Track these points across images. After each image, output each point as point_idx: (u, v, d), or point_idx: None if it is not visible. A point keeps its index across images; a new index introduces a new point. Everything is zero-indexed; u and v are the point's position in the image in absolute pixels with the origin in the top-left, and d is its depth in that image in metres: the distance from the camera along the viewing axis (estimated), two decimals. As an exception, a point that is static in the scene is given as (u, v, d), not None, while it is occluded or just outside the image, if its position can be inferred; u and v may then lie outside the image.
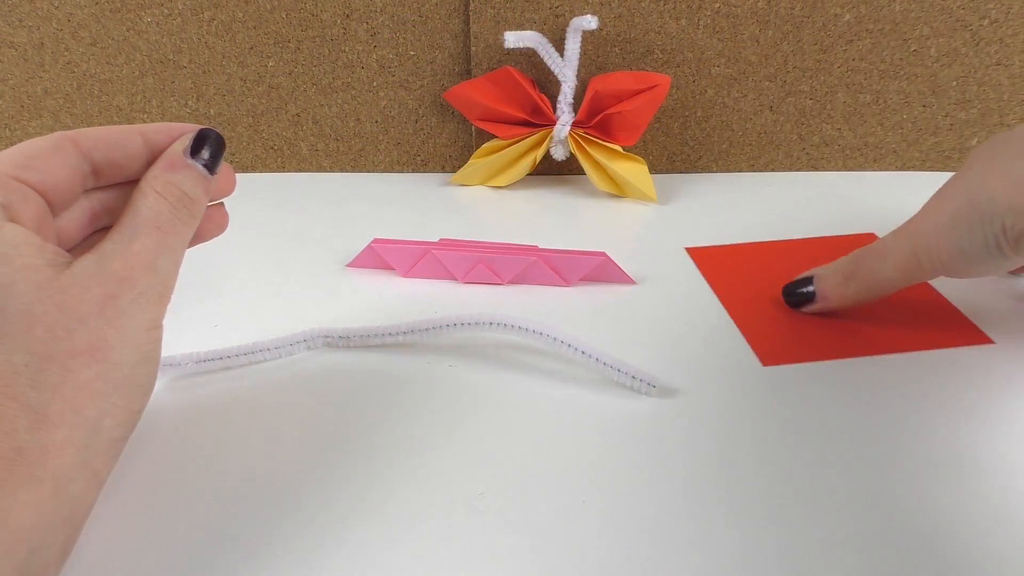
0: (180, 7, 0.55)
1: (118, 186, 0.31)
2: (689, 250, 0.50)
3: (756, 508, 0.32)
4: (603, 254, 0.47)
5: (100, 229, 0.32)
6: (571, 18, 0.54)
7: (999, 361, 0.40)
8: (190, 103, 0.59)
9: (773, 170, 0.61)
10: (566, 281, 0.47)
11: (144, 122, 0.59)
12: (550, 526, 0.31)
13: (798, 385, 0.39)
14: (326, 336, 0.41)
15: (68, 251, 0.31)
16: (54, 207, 0.29)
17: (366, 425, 0.36)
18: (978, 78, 0.57)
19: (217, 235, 0.35)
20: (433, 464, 0.34)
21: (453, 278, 0.47)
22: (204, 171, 0.30)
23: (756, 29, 0.55)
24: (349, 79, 0.58)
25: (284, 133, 0.60)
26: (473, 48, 0.56)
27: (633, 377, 0.38)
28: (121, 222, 0.28)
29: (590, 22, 0.53)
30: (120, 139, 0.30)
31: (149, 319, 0.27)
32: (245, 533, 0.31)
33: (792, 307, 0.43)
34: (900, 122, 0.59)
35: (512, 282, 0.47)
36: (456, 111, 0.58)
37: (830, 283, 0.40)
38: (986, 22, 0.55)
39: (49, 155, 0.28)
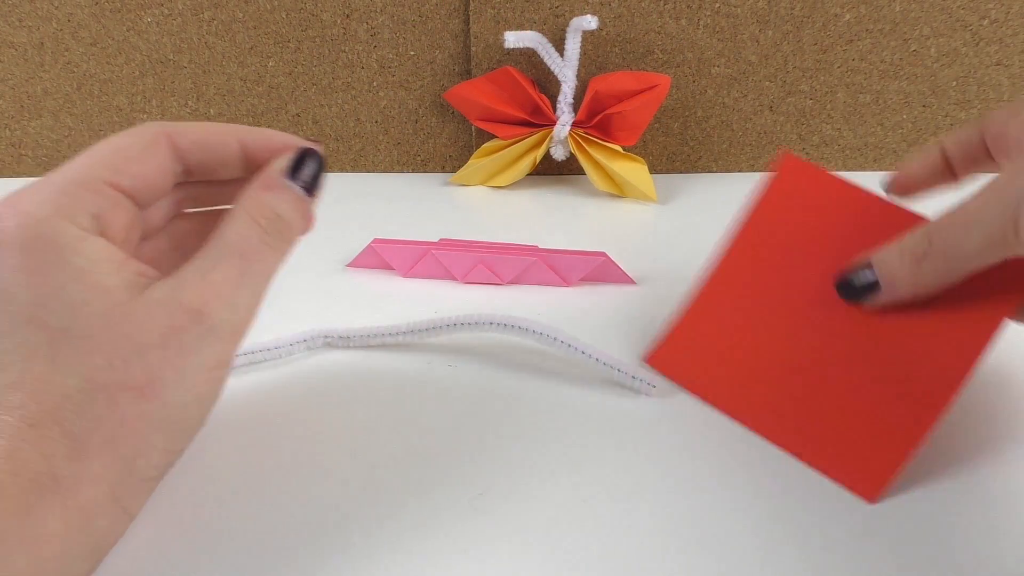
0: (180, 7, 0.55)
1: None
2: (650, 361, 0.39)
3: (756, 507, 0.32)
4: (603, 254, 0.47)
5: (184, 214, 0.31)
6: (571, 18, 0.54)
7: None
8: (190, 103, 0.59)
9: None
10: (566, 281, 0.47)
11: (144, 121, 0.59)
12: (550, 526, 0.31)
13: (798, 385, 0.39)
14: (326, 336, 0.41)
15: (151, 239, 0.30)
16: (141, 205, 0.28)
17: (366, 425, 0.36)
18: (978, 78, 0.57)
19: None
20: (433, 464, 0.34)
21: (453, 278, 0.47)
22: (303, 193, 0.28)
23: (756, 29, 0.55)
24: (349, 79, 0.58)
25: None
26: (473, 48, 0.56)
27: (633, 377, 0.38)
28: (207, 245, 0.26)
29: (590, 22, 0.53)
30: (217, 142, 0.28)
31: (215, 357, 0.25)
32: (244, 533, 0.30)
33: (850, 300, 0.33)
34: (900, 122, 0.59)
35: (512, 282, 0.47)
36: (456, 111, 0.58)
37: (897, 266, 0.31)
38: (986, 22, 0.55)
39: (144, 157, 0.27)
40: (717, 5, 0.54)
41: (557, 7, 0.54)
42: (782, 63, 0.56)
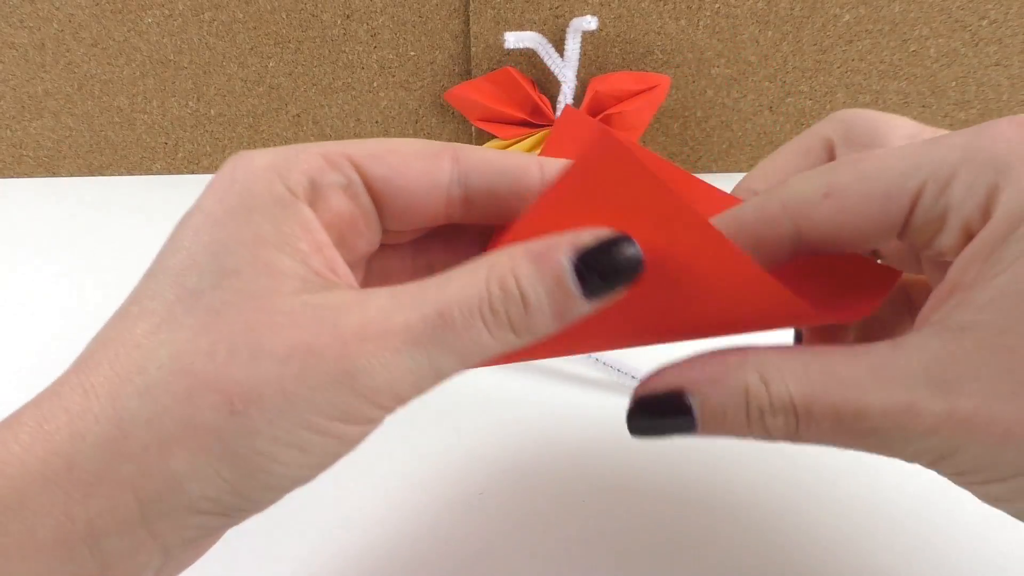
0: (181, 8, 0.55)
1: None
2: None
3: (757, 507, 0.32)
4: (603, 254, 0.47)
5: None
6: (571, 19, 0.54)
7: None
8: (191, 104, 0.59)
9: (773, 170, 0.61)
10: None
11: (145, 122, 0.59)
12: (550, 526, 0.31)
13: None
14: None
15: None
16: (394, 223, 0.22)
17: (366, 425, 0.36)
18: (977, 78, 0.57)
19: None
20: (433, 464, 0.34)
21: (453, 278, 0.47)
22: (576, 288, 0.19)
23: (756, 29, 0.55)
24: (349, 80, 0.58)
25: (284, 133, 0.60)
26: (473, 49, 0.56)
27: (633, 377, 0.38)
28: (423, 282, 0.20)
29: (590, 23, 0.53)
30: (511, 167, 0.22)
31: (331, 408, 0.19)
32: (243, 533, 0.31)
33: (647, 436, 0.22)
34: (899, 122, 0.59)
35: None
36: (456, 112, 0.58)
37: (740, 425, 0.21)
38: (985, 22, 0.55)
39: (414, 156, 0.21)
40: (717, 6, 0.54)
41: (557, 7, 0.54)
42: (781, 63, 0.56)
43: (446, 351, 0.19)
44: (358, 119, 0.59)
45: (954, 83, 0.57)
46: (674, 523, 0.31)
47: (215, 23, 0.56)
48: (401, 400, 0.20)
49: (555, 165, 0.22)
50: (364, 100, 0.59)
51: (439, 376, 0.20)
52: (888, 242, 0.22)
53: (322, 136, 0.60)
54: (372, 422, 0.20)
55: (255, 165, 0.20)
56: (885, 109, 0.58)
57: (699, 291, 0.21)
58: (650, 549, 0.30)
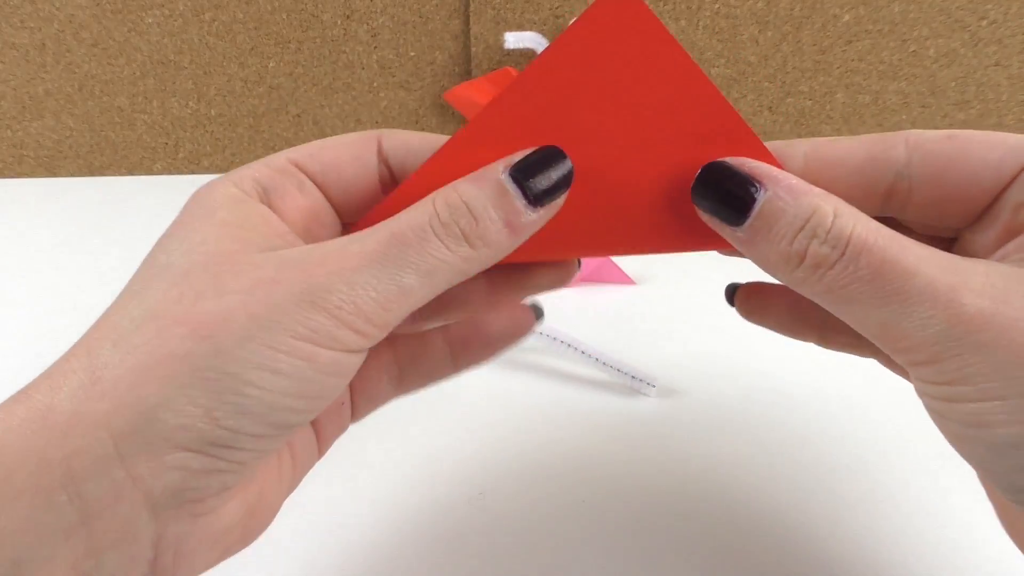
0: (181, 8, 0.55)
1: None
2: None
3: (757, 507, 0.32)
4: (603, 254, 0.47)
5: None
6: (571, 19, 0.54)
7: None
8: (191, 104, 0.59)
9: (772, 170, 0.61)
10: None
11: (145, 122, 0.60)
12: (550, 526, 0.31)
13: (798, 384, 0.39)
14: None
15: None
16: (343, 207, 0.24)
17: (366, 425, 0.36)
18: (977, 79, 0.57)
19: (506, 347, 0.26)
20: (433, 464, 0.34)
21: (453, 278, 0.48)
22: (518, 194, 0.21)
23: (755, 30, 0.55)
24: (349, 80, 0.58)
25: (285, 133, 0.60)
26: (473, 49, 0.56)
27: (633, 377, 0.38)
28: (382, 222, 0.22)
29: (590, 23, 0.53)
30: (426, 145, 0.24)
31: (306, 325, 0.19)
32: (247, 532, 0.31)
33: (703, 207, 0.22)
34: (899, 123, 0.59)
35: (512, 282, 0.47)
36: (456, 111, 0.58)
37: (780, 246, 0.20)
38: (984, 23, 0.55)
39: (344, 147, 0.24)
40: (716, 6, 0.54)
41: (557, 8, 0.54)
42: (781, 64, 0.56)
43: (404, 265, 0.20)
44: (358, 119, 0.60)
45: (953, 83, 0.57)
46: (674, 523, 0.31)
47: (215, 23, 0.56)
48: (368, 319, 0.20)
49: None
50: (364, 100, 0.59)
51: (405, 294, 0.20)
52: (977, 206, 0.22)
53: (322, 136, 0.60)
54: (344, 346, 0.20)
55: (211, 185, 0.22)
56: (884, 110, 0.58)
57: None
58: (650, 549, 0.30)
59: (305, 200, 0.23)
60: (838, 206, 0.20)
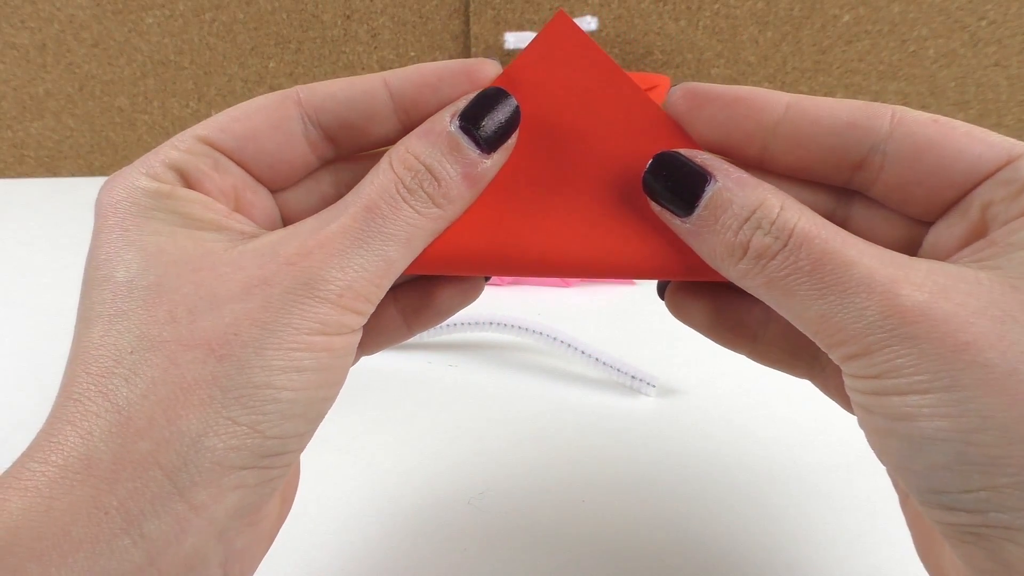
0: (181, 8, 0.55)
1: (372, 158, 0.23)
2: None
3: (757, 506, 0.32)
4: (603, 254, 0.47)
5: None
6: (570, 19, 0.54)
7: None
8: (191, 104, 0.59)
9: (772, 170, 0.61)
10: (566, 282, 0.47)
11: (146, 122, 0.60)
12: (550, 526, 0.31)
13: (798, 384, 0.39)
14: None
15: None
16: (271, 182, 0.23)
17: (366, 424, 0.36)
18: (976, 79, 0.57)
19: (456, 311, 0.26)
20: (433, 464, 0.34)
21: (453, 278, 0.48)
22: (471, 145, 0.21)
23: (755, 30, 0.55)
24: (350, 80, 0.58)
25: (285, 134, 0.60)
26: (473, 49, 0.56)
27: (633, 377, 0.38)
28: (343, 198, 0.21)
29: (590, 23, 0.53)
30: (356, 94, 0.22)
31: (313, 319, 0.19)
32: (247, 532, 0.31)
33: (652, 195, 0.21)
34: (899, 123, 0.59)
35: (512, 283, 0.47)
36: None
37: (727, 230, 0.20)
38: (984, 23, 0.55)
39: (257, 113, 0.22)
40: (716, 6, 0.54)
41: (557, 8, 0.55)
42: (781, 64, 0.56)
43: (385, 238, 0.20)
44: (358, 119, 0.60)
45: (953, 83, 0.57)
46: (674, 523, 0.31)
47: (216, 24, 0.56)
48: (366, 299, 0.20)
49: (402, 75, 0.23)
50: (364, 100, 0.59)
51: (391, 266, 0.20)
52: (945, 198, 0.21)
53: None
54: (351, 329, 0.20)
55: (118, 184, 0.21)
56: (884, 109, 0.58)
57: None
58: (650, 549, 0.30)
59: (224, 180, 0.22)
60: (785, 200, 0.20)
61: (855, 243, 0.19)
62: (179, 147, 0.21)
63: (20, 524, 0.17)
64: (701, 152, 0.21)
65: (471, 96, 0.22)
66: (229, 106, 0.55)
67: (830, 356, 0.19)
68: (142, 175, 0.21)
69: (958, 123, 0.21)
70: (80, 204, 0.59)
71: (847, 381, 0.19)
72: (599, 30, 0.54)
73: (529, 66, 0.23)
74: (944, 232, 0.21)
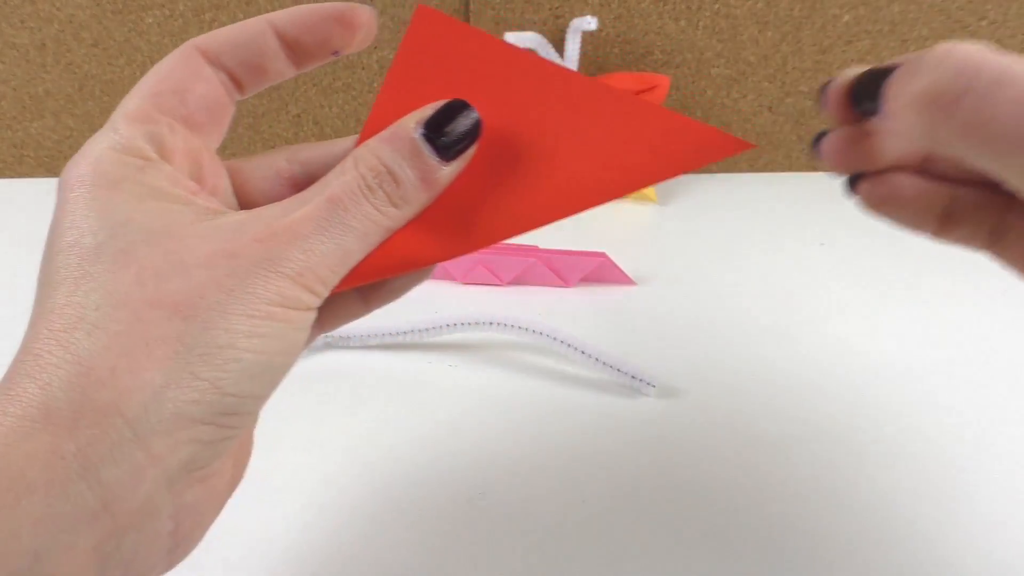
0: (181, 8, 0.55)
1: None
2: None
3: (756, 506, 0.32)
4: (603, 254, 0.47)
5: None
6: (571, 19, 0.54)
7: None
8: (191, 104, 0.59)
9: (773, 170, 0.61)
10: (566, 282, 0.47)
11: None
12: (550, 526, 0.31)
13: (798, 383, 0.39)
14: (326, 336, 0.41)
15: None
16: (201, 128, 0.24)
17: (366, 425, 0.36)
18: (977, 79, 0.57)
19: (409, 289, 0.26)
20: (433, 464, 0.34)
21: (453, 278, 0.48)
22: (432, 154, 0.22)
23: (755, 30, 0.55)
24: (349, 80, 0.58)
25: (284, 133, 0.60)
26: (473, 49, 0.56)
27: (633, 377, 0.38)
28: (307, 190, 0.22)
29: (590, 23, 0.53)
30: (248, 37, 0.24)
31: (274, 291, 0.20)
32: (243, 533, 0.31)
33: (853, 96, 0.23)
34: (899, 123, 0.59)
35: (512, 283, 0.47)
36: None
37: (912, 101, 0.20)
38: (984, 23, 0.55)
39: (176, 72, 0.23)
40: (716, 6, 0.54)
41: (557, 8, 0.54)
42: (781, 64, 0.56)
43: (346, 230, 0.21)
44: (358, 119, 0.60)
45: (953, 83, 0.57)
46: (674, 522, 0.31)
47: (216, 24, 0.56)
48: (322, 282, 0.21)
49: (284, 16, 0.24)
50: (364, 100, 0.59)
51: (348, 256, 0.22)
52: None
53: (322, 136, 0.60)
54: (307, 307, 0.21)
55: (82, 159, 0.22)
56: (885, 109, 0.58)
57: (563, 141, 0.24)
58: (650, 548, 0.30)
59: (181, 142, 0.23)
60: (959, 43, 0.19)
61: None
62: (138, 118, 0.22)
63: None
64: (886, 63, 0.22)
65: (438, 105, 0.23)
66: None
67: None
68: (106, 148, 0.22)
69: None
70: (80, 204, 0.59)
71: None
72: (599, 30, 0.54)
73: (412, 65, 0.24)
74: None
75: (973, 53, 0.19)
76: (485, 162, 0.24)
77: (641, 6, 0.54)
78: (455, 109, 0.23)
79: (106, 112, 0.59)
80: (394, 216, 0.23)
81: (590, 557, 0.30)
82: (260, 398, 0.21)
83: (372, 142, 0.23)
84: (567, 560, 0.30)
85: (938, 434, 0.36)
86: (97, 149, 0.22)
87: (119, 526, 0.19)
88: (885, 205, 0.26)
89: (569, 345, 0.38)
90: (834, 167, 0.26)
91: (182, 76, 0.23)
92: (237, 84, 0.25)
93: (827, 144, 0.25)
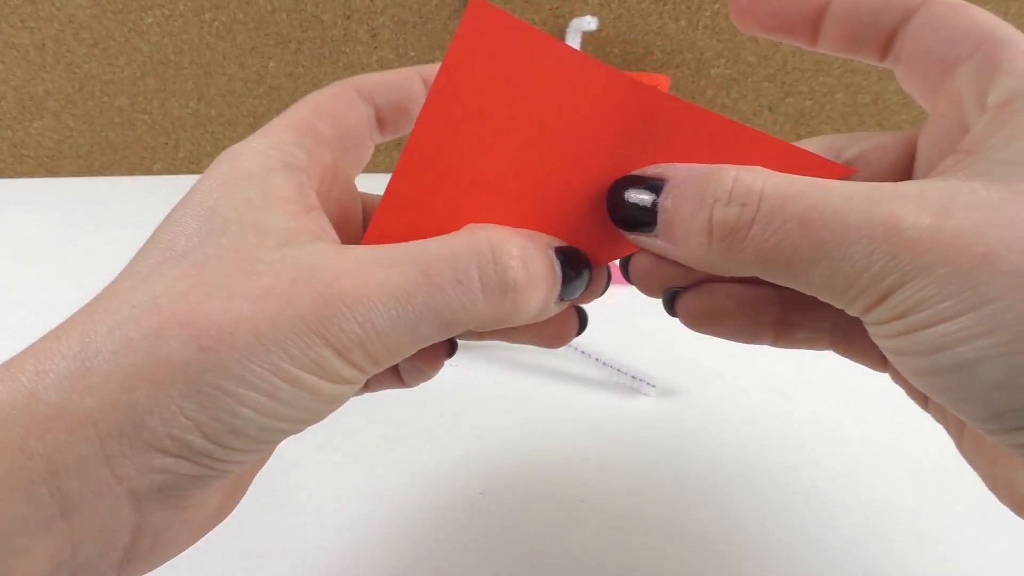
0: (181, 8, 0.55)
1: None
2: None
3: (756, 507, 0.32)
4: (603, 254, 0.47)
5: None
6: (571, 19, 0.54)
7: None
8: (191, 104, 0.59)
9: (772, 170, 0.61)
10: (566, 281, 0.47)
11: (146, 122, 0.60)
12: (550, 526, 0.31)
13: (797, 384, 0.39)
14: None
15: None
16: (346, 152, 0.24)
17: (366, 424, 0.36)
18: (977, 79, 0.57)
19: (554, 346, 0.25)
20: (433, 464, 0.34)
21: (453, 278, 0.48)
22: (559, 280, 0.21)
23: (755, 30, 0.55)
24: (350, 80, 0.58)
25: (285, 134, 0.60)
26: (473, 49, 0.56)
27: (633, 377, 0.38)
28: (404, 246, 0.20)
29: (590, 23, 0.53)
30: (398, 80, 0.25)
31: (306, 353, 0.18)
32: (243, 533, 0.31)
33: (618, 223, 0.22)
34: (899, 123, 0.59)
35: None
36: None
37: (691, 222, 0.20)
38: (985, 23, 0.55)
39: (334, 100, 0.24)
40: (716, 6, 0.54)
41: (557, 8, 0.54)
42: (781, 64, 0.56)
43: (427, 313, 0.19)
44: (358, 119, 0.60)
45: (954, 83, 0.57)
46: (673, 522, 0.31)
47: (216, 23, 0.56)
48: (375, 362, 0.19)
49: (432, 69, 0.25)
50: (364, 100, 0.59)
51: (415, 341, 0.19)
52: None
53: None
54: (347, 383, 0.19)
55: (241, 148, 0.22)
56: (884, 110, 0.58)
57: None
58: (650, 548, 0.30)
59: (326, 155, 0.23)
60: (742, 170, 0.19)
61: (837, 188, 0.18)
62: (291, 124, 0.23)
63: None
64: (649, 168, 0.21)
65: (565, 247, 0.22)
66: (229, 106, 0.55)
67: (848, 312, 0.18)
68: (252, 148, 0.21)
69: (968, 4, 0.20)
70: (80, 204, 0.59)
71: (872, 331, 0.18)
72: (599, 30, 0.54)
73: (463, 65, 0.21)
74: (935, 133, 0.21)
75: (756, 180, 0.18)
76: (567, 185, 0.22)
77: (641, 6, 0.54)
78: (581, 259, 0.22)
79: (106, 112, 0.60)
80: (496, 308, 0.20)
81: (590, 557, 0.30)
82: (248, 453, 0.19)
83: (502, 230, 0.20)
84: (567, 560, 0.30)
85: (938, 434, 0.36)
86: (242, 147, 0.22)
87: (75, 536, 0.18)
88: (709, 321, 0.25)
89: (569, 345, 0.38)
90: (648, 288, 0.24)
91: (338, 104, 0.24)
92: (381, 123, 0.25)
93: (634, 267, 0.24)
